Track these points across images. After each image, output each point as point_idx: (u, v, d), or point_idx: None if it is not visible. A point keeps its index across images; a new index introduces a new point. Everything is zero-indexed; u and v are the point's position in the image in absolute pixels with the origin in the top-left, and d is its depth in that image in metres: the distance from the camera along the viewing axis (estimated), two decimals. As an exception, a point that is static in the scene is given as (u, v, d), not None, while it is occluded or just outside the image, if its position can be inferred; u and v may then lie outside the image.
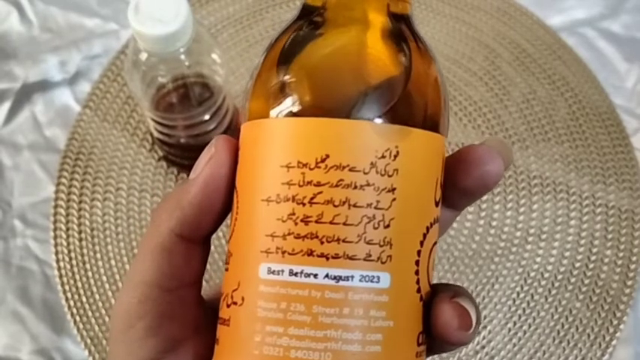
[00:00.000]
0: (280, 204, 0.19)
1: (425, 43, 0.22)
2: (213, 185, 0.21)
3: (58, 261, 0.47)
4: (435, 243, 0.21)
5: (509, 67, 0.53)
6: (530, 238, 0.47)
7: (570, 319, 0.45)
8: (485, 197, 0.48)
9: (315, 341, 0.19)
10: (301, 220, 0.19)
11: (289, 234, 0.19)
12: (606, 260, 0.47)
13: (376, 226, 0.19)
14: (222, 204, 0.21)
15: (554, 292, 0.46)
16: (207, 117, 0.44)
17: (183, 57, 0.40)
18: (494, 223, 0.48)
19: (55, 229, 0.47)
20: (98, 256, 0.47)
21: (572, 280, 0.46)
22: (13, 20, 0.55)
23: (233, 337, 0.20)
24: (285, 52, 0.21)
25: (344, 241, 0.19)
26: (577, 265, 0.46)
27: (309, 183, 0.19)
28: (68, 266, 0.46)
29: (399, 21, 0.21)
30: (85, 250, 0.47)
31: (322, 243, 0.19)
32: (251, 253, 0.20)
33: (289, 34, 0.21)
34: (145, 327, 0.21)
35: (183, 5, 0.38)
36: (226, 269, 0.21)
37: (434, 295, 0.21)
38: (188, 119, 0.44)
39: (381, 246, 0.19)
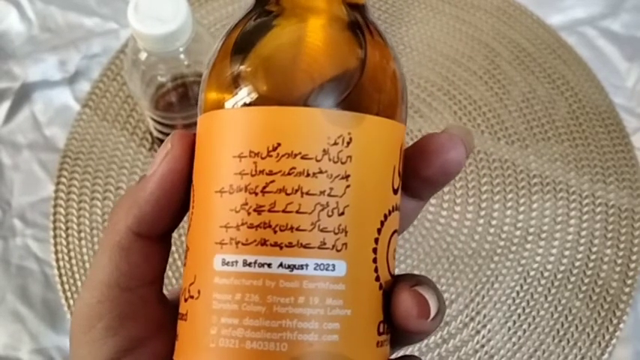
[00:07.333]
0: (233, 194, 0.19)
1: (380, 33, 0.21)
2: (169, 181, 0.21)
3: (57, 260, 0.47)
4: (395, 231, 0.21)
5: (509, 67, 0.53)
6: (529, 238, 0.47)
7: (570, 318, 0.45)
8: (484, 196, 0.48)
9: (270, 331, 0.18)
10: (254, 210, 0.19)
11: (242, 224, 0.19)
12: (606, 259, 0.46)
13: (330, 213, 0.19)
14: (180, 200, 0.21)
15: (553, 291, 0.46)
16: (206, 116, 0.44)
17: (182, 56, 0.40)
18: (493, 223, 0.48)
19: (54, 229, 0.47)
20: (98, 255, 0.47)
21: (572, 279, 0.46)
22: (13, 19, 0.55)
23: (190, 331, 0.20)
24: (239, 42, 0.20)
25: (297, 229, 0.19)
26: (577, 264, 0.46)
27: (261, 172, 0.19)
28: (68, 265, 0.46)
29: (354, 10, 0.21)
30: (84, 250, 0.47)
31: (275, 232, 0.19)
32: (206, 246, 0.19)
33: (243, 24, 0.21)
34: (105, 327, 0.21)
35: (183, 4, 0.38)
36: (184, 264, 0.21)
37: (395, 284, 0.20)
38: (187, 118, 0.44)
39: (335, 234, 0.19)
